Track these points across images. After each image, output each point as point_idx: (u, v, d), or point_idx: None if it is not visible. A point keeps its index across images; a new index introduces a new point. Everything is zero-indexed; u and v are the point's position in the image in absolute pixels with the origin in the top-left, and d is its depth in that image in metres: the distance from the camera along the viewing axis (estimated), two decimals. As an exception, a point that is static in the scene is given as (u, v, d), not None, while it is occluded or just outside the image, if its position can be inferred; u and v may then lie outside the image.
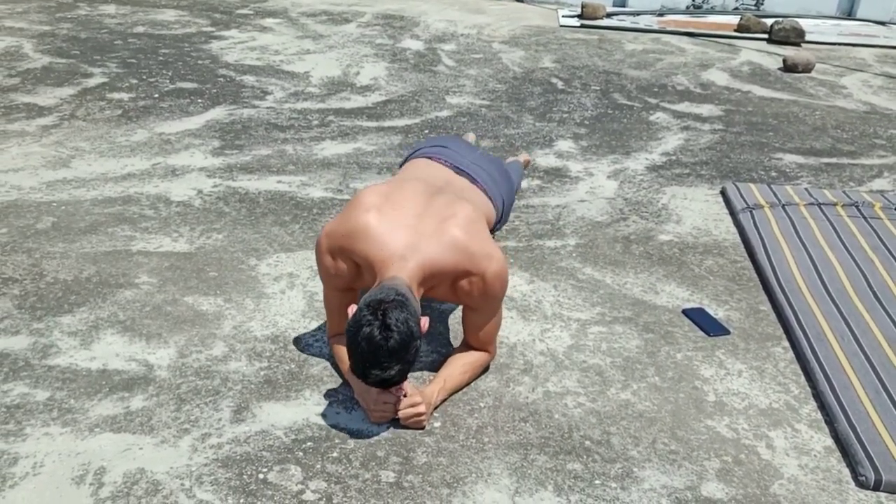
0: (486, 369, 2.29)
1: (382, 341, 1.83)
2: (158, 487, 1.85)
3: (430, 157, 2.56)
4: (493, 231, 2.55)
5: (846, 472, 2.01)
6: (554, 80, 5.18)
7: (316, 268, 2.76)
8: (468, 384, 2.23)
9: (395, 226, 2.08)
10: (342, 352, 2.21)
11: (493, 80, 5.13)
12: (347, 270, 2.13)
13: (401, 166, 2.69)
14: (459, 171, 2.51)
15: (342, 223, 2.13)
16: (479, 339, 2.24)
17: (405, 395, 2.04)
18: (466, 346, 2.28)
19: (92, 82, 4.68)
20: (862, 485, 1.96)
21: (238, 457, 1.95)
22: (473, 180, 2.50)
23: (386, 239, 2.05)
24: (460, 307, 2.27)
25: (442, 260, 2.05)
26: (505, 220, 2.77)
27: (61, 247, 2.87)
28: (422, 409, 2.04)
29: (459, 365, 2.22)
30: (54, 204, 3.19)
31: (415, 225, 2.09)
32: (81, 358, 2.28)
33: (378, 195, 2.18)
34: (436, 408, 2.13)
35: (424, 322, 1.94)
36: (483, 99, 4.74)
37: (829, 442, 2.10)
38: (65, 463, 1.90)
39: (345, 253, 2.11)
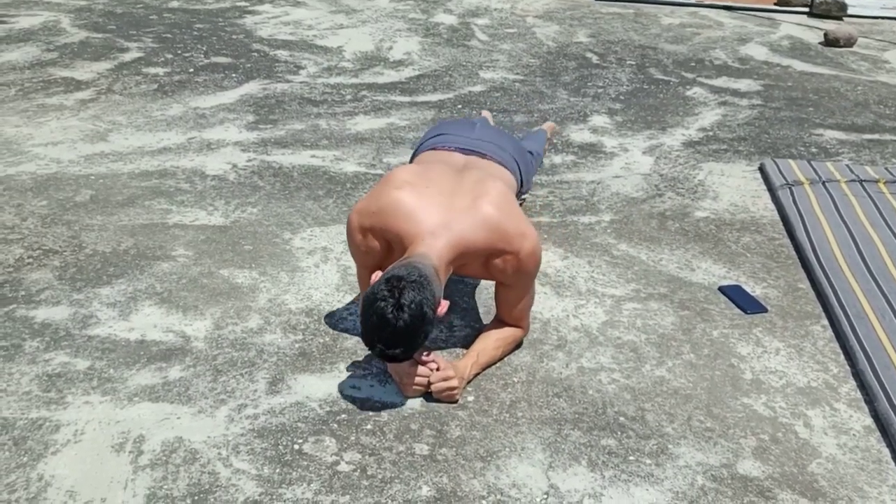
0: (519, 345, 2.29)
1: (392, 320, 1.82)
2: (196, 456, 1.87)
3: (434, 148, 2.50)
4: (518, 198, 2.50)
5: (886, 451, 1.98)
6: (588, 55, 5.11)
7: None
8: (501, 359, 2.23)
9: (428, 203, 2.07)
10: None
11: (527, 54, 5.08)
12: (378, 248, 2.12)
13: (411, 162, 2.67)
14: (466, 151, 2.44)
15: (373, 200, 2.12)
16: (512, 315, 2.24)
17: (438, 369, 2.04)
18: (499, 321, 2.28)
19: (128, 57, 4.71)
20: (902, 465, 1.93)
21: (274, 428, 1.97)
22: (482, 155, 2.44)
23: (418, 215, 2.05)
24: (492, 282, 2.26)
25: (474, 238, 2.04)
26: (528, 186, 2.71)
27: (100, 219, 2.90)
28: (455, 382, 2.05)
29: (493, 340, 2.21)
30: (92, 177, 3.23)
31: (447, 202, 2.09)
32: (120, 328, 2.32)
33: (411, 173, 2.18)
34: (469, 382, 2.13)
35: (444, 305, 1.94)
36: (517, 74, 4.70)
37: (869, 421, 2.07)
38: (105, 431, 1.94)
39: (375, 230, 2.10)
